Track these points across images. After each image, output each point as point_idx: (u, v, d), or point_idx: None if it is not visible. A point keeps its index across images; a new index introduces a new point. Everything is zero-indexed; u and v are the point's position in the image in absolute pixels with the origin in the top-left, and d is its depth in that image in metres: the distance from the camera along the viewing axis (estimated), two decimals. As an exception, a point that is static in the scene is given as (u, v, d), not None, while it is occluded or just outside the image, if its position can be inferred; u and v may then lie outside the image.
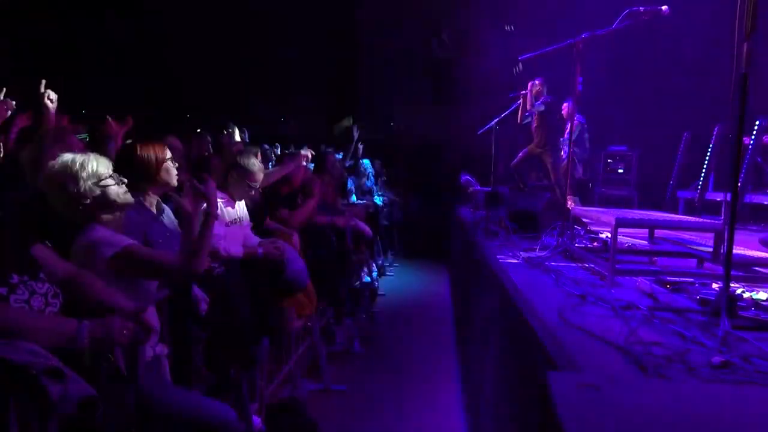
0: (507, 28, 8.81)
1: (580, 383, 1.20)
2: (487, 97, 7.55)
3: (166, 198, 2.56)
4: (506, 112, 5.81)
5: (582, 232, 3.90)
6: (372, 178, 8.36)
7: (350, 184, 7.85)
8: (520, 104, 6.16)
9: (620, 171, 7.13)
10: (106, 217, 2.01)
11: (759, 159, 5.68)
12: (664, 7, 3.22)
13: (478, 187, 6.34)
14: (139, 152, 2.36)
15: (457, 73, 9.92)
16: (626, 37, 4.34)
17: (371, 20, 10.71)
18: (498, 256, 3.35)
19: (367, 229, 6.22)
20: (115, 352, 1.74)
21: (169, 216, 2.54)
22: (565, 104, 6.73)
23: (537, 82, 6.23)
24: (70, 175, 1.94)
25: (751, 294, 2.11)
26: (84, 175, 1.95)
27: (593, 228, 4.08)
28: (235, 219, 3.26)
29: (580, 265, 3.06)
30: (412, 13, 10.12)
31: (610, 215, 2.78)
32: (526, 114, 6.18)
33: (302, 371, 4.28)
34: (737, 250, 2.76)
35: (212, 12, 9.93)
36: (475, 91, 9.16)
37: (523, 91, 6.14)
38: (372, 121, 9.40)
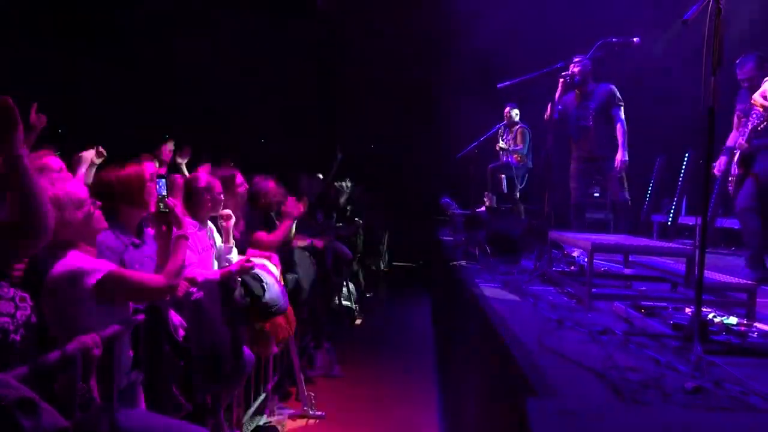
0: None
1: (558, 411, 1.22)
2: (467, 121, 7.65)
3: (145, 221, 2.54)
4: (485, 136, 5.90)
5: (560, 256, 3.95)
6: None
7: None
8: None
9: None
10: (82, 242, 1.99)
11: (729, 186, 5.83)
12: (635, 39, 3.35)
13: (458, 210, 6.39)
14: (118, 174, 2.34)
15: (437, 95, 10.04)
16: (600, 65, 4.48)
17: (351, 43, 10.82)
18: (477, 280, 3.37)
19: (347, 250, 6.22)
20: (89, 381, 1.70)
21: (150, 240, 2.51)
22: None
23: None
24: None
25: (722, 319, 2.16)
26: (61, 203, 1.93)
27: (569, 251, 4.14)
28: (206, 246, 3.22)
29: (558, 289, 3.09)
30: (390, 36, 10.23)
31: (586, 240, 2.83)
32: None
33: (280, 396, 4.23)
34: (708, 275, 2.82)
35: (198, 28, 9.92)
36: (454, 114, 9.27)
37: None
38: (351, 144, 9.39)
